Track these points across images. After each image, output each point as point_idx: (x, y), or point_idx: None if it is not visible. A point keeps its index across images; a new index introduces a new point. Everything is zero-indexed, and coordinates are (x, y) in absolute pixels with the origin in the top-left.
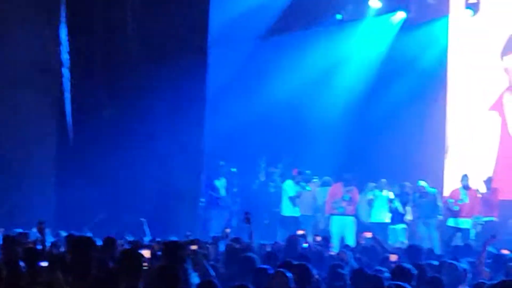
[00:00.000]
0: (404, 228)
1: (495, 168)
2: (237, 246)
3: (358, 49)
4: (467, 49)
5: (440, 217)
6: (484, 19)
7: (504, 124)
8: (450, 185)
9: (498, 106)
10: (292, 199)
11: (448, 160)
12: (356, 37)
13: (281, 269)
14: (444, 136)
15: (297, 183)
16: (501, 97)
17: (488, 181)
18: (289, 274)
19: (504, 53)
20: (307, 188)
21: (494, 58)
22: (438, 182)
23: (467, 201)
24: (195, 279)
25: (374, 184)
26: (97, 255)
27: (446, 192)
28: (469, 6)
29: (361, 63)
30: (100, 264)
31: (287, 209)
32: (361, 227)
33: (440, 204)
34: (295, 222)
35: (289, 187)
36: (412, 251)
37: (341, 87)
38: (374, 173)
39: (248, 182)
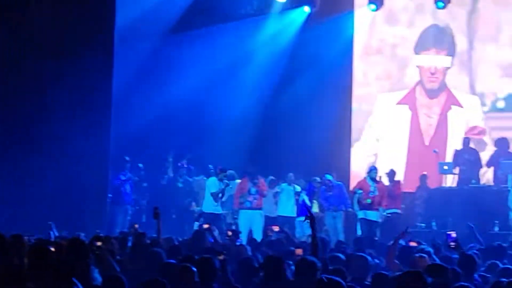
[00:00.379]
0: None
1: (406, 160)
2: (144, 241)
3: (264, 44)
4: (372, 43)
5: (350, 210)
6: (388, 13)
7: (414, 118)
8: (357, 177)
9: (409, 100)
10: (214, 196)
11: (355, 153)
12: (262, 32)
13: (187, 264)
14: (350, 130)
15: (221, 180)
16: (413, 92)
17: (391, 174)
18: (194, 269)
19: (417, 50)
20: (230, 185)
21: (394, 52)
22: (345, 175)
23: (376, 193)
24: (97, 275)
25: (272, 177)
26: (4, 252)
27: (352, 184)
28: (372, 1)
29: (267, 58)
30: (7, 261)
31: (209, 206)
32: (270, 220)
33: (347, 196)
34: (216, 218)
35: (211, 184)
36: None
37: (247, 82)
38: (280, 168)
39: (157, 177)
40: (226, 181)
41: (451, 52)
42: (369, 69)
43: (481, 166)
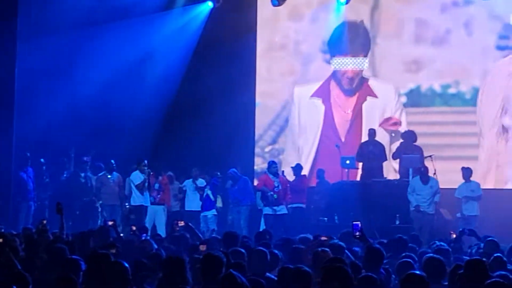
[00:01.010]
0: (215, 215)
1: (316, 152)
2: (47, 237)
3: (168, 39)
4: (276, 39)
5: (259, 205)
6: (291, 9)
7: (328, 112)
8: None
9: (321, 94)
10: (139, 188)
11: (259, 148)
12: (166, 27)
13: (120, 260)
14: (254, 124)
15: (142, 171)
16: (327, 86)
17: (297, 168)
18: (126, 265)
19: (332, 53)
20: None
21: (298, 48)
22: (248, 170)
23: (280, 187)
24: None
25: (170, 173)
26: None
27: (256, 180)
28: None
29: (172, 53)
30: None
31: (136, 199)
32: (172, 215)
33: (252, 191)
34: (145, 211)
35: (135, 177)
36: (228, 239)
37: (152, 77)
38: (185, 163)
39: (59, 173)
40: (148, 170)
41: (367, 50)
42: (273, 64)
43: (385, 159)
